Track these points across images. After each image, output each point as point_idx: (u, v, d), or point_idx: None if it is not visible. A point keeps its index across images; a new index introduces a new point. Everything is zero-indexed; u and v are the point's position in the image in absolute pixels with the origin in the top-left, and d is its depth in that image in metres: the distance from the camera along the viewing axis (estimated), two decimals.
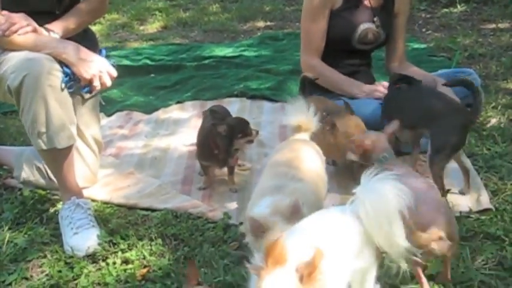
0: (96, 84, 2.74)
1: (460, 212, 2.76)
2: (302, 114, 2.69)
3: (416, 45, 5.51)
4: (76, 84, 2.73)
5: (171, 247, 2.66)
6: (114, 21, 7.42)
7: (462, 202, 2.86)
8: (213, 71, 5.20)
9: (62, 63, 2.68)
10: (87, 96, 3.09)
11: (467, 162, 3.18)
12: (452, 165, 3.22)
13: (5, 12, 2.74)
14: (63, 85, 2.66)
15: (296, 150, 2.62)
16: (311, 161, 2.57)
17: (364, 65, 3.65)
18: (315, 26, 3.44)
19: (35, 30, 2.74)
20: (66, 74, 2.67)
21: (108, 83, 2.78)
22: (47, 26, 2.82)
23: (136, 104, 4.48)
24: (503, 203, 2.86)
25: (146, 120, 4.24)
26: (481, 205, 2.84)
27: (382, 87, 3.39)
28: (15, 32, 2.69)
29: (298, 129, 2.72)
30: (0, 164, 3.43)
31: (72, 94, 2.75)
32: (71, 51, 2.70)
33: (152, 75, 5.23)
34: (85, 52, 2.74)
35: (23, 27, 2.70)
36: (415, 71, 3.67)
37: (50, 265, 2.61)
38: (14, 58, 2.67)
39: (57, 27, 2.85)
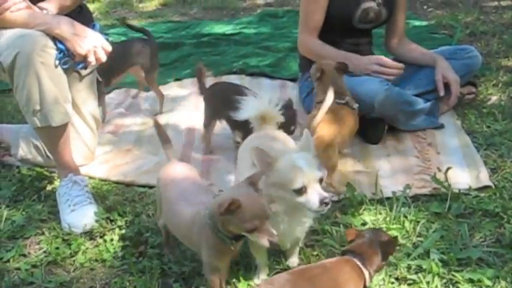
0: (91, 59, 2.70)
1: (459, 190, 2.75)
2: (262, 105, 2.47)
3: (417, 23, 5.46)
4: (70, 60, 2.69)
5: None
6: None
7: (461, 180, 2.85)
8: (212, 48, 5.17)
9: (56, 39, 2.65)
10: (84, 72, 3.07)
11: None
12: (452, 143, 3.23)
13: None
14: (57, 62, 2.63)
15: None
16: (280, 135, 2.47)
17: (364, 43, 3.60)
18: (314, 4, 3.39)
19: (28, 7, 2.69)
20: (60, 50, 2.64)
21: (103, 58, 2.74)
22: (41, 4, 2.78)
23: (135, 82, 4.44)
24: (502, 180, 2.85)
25: (145, 97, 4.21)
26: (481, 182, 2.83)
27: (382, 60, 3.31)
28: (8, 9, 2.64)
29: (262, 121, 2.49)
30: None
31: (67, 71, 2.73)
32: (64, 26, 2.65)
33: None
34: (79, 27, 2.69)
35: (15, 4, 2.65)
36: (414, 48, 3.65)
37: (48, 242, 2.61)
38: (6, 35, 2.64)
39: (51, 5, 2.79)
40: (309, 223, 2.19)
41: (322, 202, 1.95)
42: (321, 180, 2.00)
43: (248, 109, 2.47)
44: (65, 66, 2.68)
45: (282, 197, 1.99)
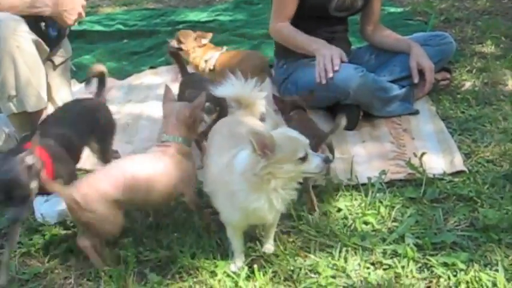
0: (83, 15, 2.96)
1: (434, 175, 2.77)
2: (241, 89, 2.47)
3: (392, 9, 5.47)
4: None
5: (143, 213, 2.63)
6: None
7: (436, 165, 2.87)
8: None
9: (50, 28, 2.80)
10: (57, 61, 3.06)
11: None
12: (426, 128, 3.25)
13: None
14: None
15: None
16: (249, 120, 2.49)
17: (340, 31, 3.60)
18: None
19: None
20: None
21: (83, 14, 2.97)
22: None
23: (109, 70, 4.35)
24: (476, 165, 2.88)
25: (119, 86, 4.17)
26: (455, 167, 2.85)
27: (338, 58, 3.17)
28: None
29: (238, 104, 2.53)
30: None
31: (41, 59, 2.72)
32: (51, 3, 2.73)
33: (125, 40, 5.13)
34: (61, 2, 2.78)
35: None
36: (389, 35, 3.65)
37: (21, 233, 2.57)
38: None
39: None
40: (294, 196, 2.17)
41: (326, 161, 2.07)
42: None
43: (226, 89, 2.48)
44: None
45: (285, 171, 2.03)
